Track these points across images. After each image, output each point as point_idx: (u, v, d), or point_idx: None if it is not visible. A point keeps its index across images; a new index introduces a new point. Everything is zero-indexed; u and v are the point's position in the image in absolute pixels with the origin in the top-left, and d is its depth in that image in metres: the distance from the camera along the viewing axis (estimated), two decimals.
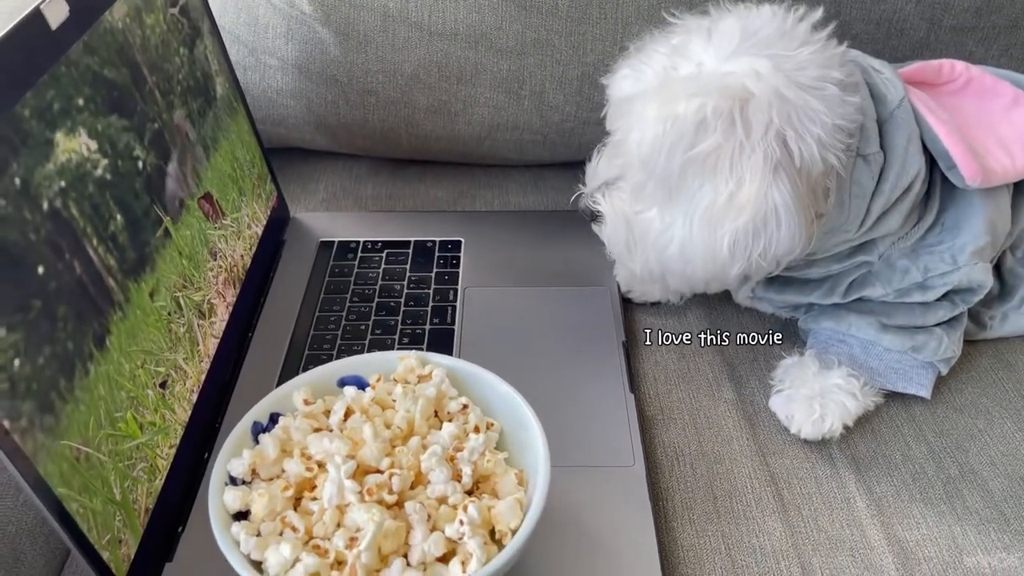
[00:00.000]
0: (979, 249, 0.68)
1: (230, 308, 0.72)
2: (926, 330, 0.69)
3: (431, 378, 0.58)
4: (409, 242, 0.84)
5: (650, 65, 0.62)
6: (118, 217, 0.57)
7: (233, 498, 0.51)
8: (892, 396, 0.70)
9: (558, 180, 0.96)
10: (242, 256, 0.76)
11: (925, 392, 0.69)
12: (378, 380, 0.59)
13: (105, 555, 0.51)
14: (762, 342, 0.76)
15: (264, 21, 0.85)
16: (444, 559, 0.49)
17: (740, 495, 0.63)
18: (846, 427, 0.67)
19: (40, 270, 0.48)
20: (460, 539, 0.49)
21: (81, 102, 0.55)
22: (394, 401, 0.57)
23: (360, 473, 0.52)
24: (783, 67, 0.58)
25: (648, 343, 0.75)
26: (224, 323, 0.71)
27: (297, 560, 0.48)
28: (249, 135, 0.81)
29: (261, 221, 0.81)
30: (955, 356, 0.70)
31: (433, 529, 0.50)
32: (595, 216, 0.68)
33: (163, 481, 0.59)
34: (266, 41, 0.86)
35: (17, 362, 0.45)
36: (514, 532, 0.50)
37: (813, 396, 0.67)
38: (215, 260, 0.71)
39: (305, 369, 0.68)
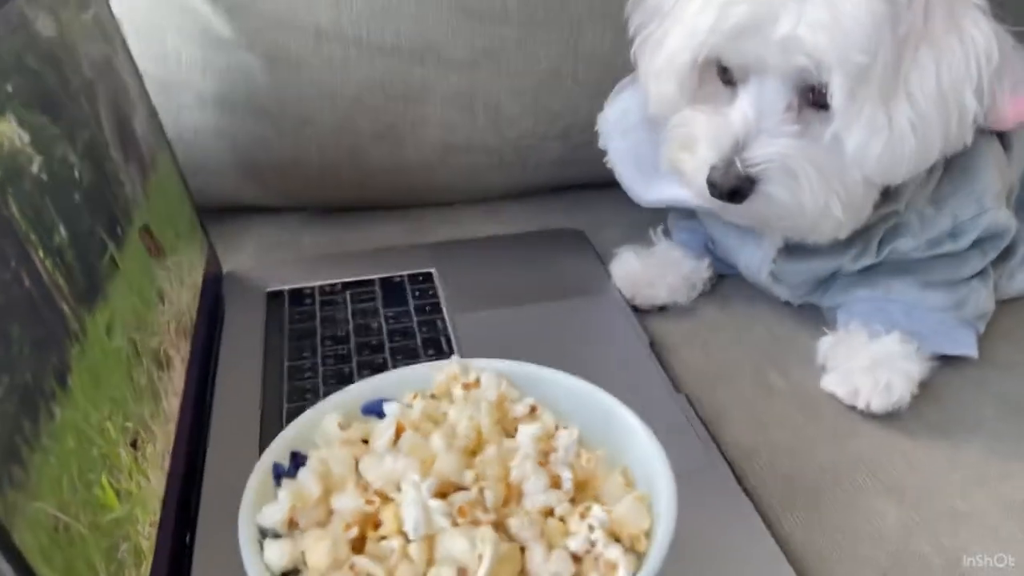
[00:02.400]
0: (997, 193, 0.65)
1: (186, 363, 0.59)
2: (965, 283, 0.65)
3: (479, 386, 0.47)
4: (373, 280, 0.74)
5: None
6: (61, 229, 0.45)
7: (280, 553, 0.38)
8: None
9: (516, 210, 0.88)
10: (188, 306, 0.63)
11: (974, 351, 0.64)
12: (414, 398, 0.47)
13: None
14: (786, 331, 0.69)
15: (175, 53, 0.75)
16: None
17: (833, 484, 0.55)
18: (912, 395, 0.61)
19: None
20: (588, 552, 0.38)
21: (10, 88, 0.43)
22: (444, 415, 0.46)
23: (438, 493, 0.40)
24: None
25: (668, 347, 0.67)
26: (183, 379, 0.58)
27: None
28: (174, 173, 0.69)
29: (199, 271, 0.69)
30: (991, 311, 0.67)
31: (550, 548, 0.39)
32: (753, 182, 0.56)
33: (149, 569, 0.44)
34: (179, 75, 0.75)
35: None
36: (647, 534, 0.40)
37: (873, 366, 0.60)
38: (164, 304, 0.58)
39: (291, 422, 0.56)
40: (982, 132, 0.66)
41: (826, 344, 0.65)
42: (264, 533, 0.40)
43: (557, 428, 0.45)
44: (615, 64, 0.78)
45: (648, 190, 0.72)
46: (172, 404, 0.54)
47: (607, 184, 0.87)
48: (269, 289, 0.73)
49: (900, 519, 0.52)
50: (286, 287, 0.73)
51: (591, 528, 0.38)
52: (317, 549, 0.38)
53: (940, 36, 0.54)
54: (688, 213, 0.76)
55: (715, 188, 0.57)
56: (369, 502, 0.40)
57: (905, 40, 0.54)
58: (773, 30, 0.54)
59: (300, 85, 0.76)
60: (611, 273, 0.73)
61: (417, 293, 0.72)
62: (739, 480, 0.54)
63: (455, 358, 0.49)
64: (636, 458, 0.44)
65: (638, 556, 0.39)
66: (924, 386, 0.62)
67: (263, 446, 0.48)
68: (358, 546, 0.39)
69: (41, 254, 0.41)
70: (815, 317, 0.70)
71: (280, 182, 0.81)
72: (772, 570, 0.47)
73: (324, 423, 0.45)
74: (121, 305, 0.50)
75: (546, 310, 0.69)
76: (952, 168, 0.66)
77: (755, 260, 0.69)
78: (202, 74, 0.75)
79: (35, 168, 0.44)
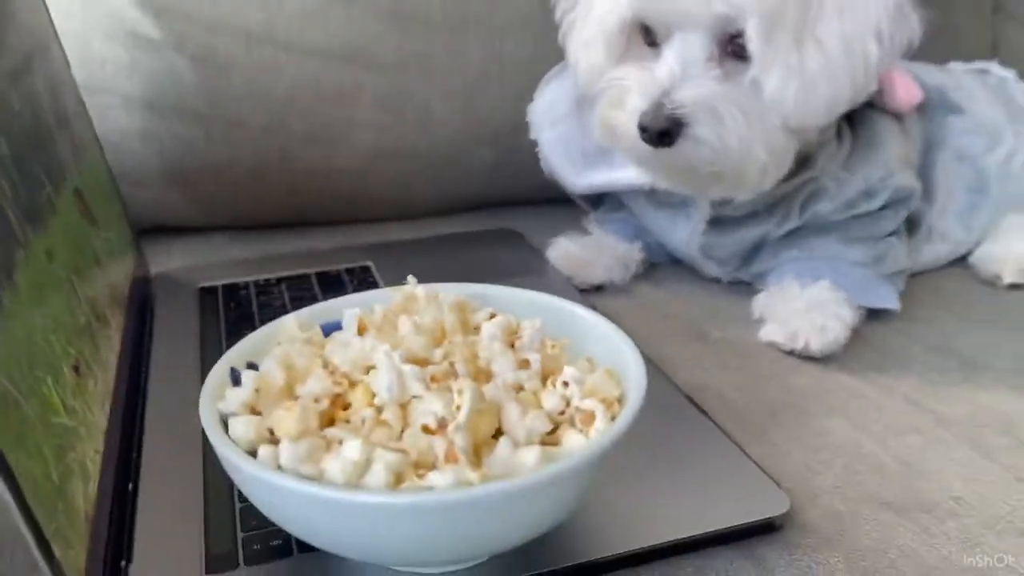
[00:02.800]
0: (902, 161, 0.70)
1: (121, 331, 0.57)
2: (883, 240, 0.69)
3: (438, 299, 0.47)
4: (309, 274, 0.73)
5: None
6: (3, 143, 0.43)
7: (245, 428, 0.37)
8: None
9: (440, 224, 0.89)
10: (121, 283, 0.61)
11: (896, 304, 0.68)
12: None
13: (57, 550, 0.33)
14: (719, 302, 0.72)
15: (100, 55, 0.75)
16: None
17: (782, 409, 0.56)
18: (846, 339, 0.63)
19: None
20: (562, 414, 0.38)
21: None
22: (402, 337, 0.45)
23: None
24: None
25: (609, 318, 0.68)
26: (119, 342, 0.55)
27: (369, 462, 0.34)
28: (103, 165, 0.68)
29: (130, 262, 0.67)
30: (908, 268, 0.71)
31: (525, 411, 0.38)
32: (680, 125, 0.59)
33: (96, 490, 0.42)
34: (104, 78, 0.75)
35: None
36: (619, 400, 0.40)
37: (808, 310, 0.63)
38: (98, 267, 0.56)
39: None
40: (882, 113, 0.72)
41: (761, 299, 0.67)
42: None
43: (520, 324, 0.45)
44: (537, 71, 0.82)
45: (579, 177, 0.75)
46: (110, 358, 0.52)
47: (534, 200, 0.90)
48: (201, 285, 0.71)
49: (849, 433, 0.54)
50: (219, 283, 0.72)
51: (565, 384, 0.38)
52: (286, 420, 0.36)
53: None
54: (617, 206, 0.79)
55: (646, 132, 0.59)
56: (337, 383, 0.39)
57: None
58: None
59: (231, 87, 0.76)
60: (549, 258, 0.75)
61: (356, 282, 0.71)
62: (700, 410, 0.54)
63: (411, 279, 0.48)
64: (598, 349, 0.44)
65: (612, 419, 0.39)
66: (855, 333, 0.65)
67: None
68: (326, 424, 0.38)
69: None
70: (745, 291, 0.72)
71: (209, 188, 0.80)
72: (740, 470, 0.47)
73: (285, 324, 0.44)
74: (59, 242, 0.48)
75: None
76: (858, 141, 0.71)
77: (685, 236, 0.72)
78: (129, 77, 0.75)
79: None
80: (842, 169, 0.69)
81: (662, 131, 0.59)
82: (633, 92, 0.61)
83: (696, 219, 0.71)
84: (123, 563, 0.42)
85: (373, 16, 0.78)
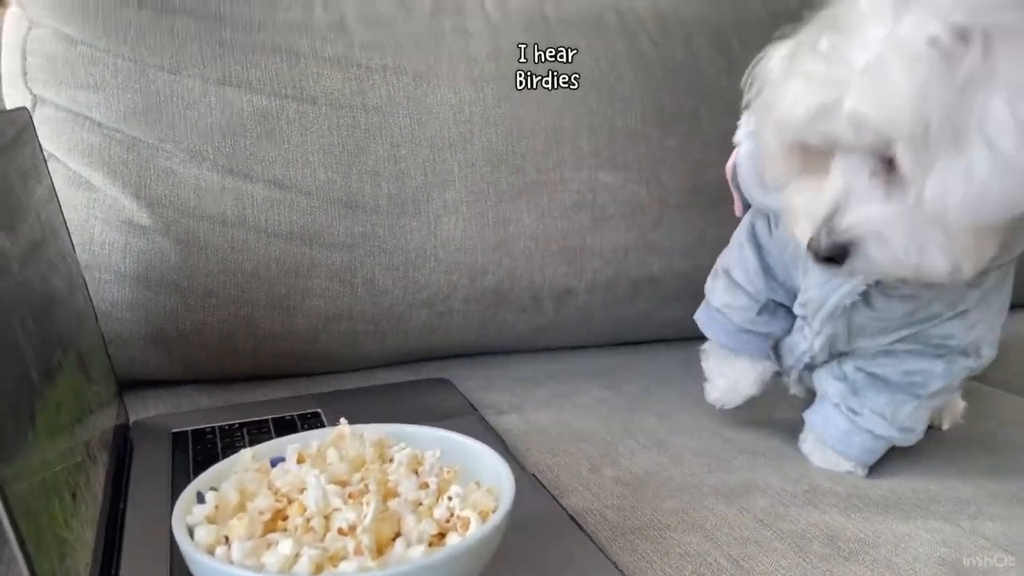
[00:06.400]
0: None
1: (105, 469, 0.69)
2: (929, 398, 0.78)
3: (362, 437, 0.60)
4: (267, 420, 0.85)
5: (821, 68, 0.61)
6: (26, 312, 0.57)
7: (207, 533, 0.49)
8: None
9: (383, 374, 1.03)
10: (106, 429, 0.73)
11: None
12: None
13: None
14: (618, 444, 0.85)
15: (100, 239, 0.90)
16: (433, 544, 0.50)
17: (653, 528, 0.68)
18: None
19: None
20: (449, 520, 0.51)
21: None
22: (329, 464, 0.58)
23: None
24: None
25: (521, 452, 0.81)
26: (104, 477, 0.67)
27: (298, 555, 0.46)
28: (96, 328, 0.81)
29: (114, 409, 0.79)
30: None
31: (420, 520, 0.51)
32: (847, 249, 0.63)
33: None
34: (102, 258, 0.90)
35: None
36: (494, 511, 0.52)
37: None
38: (92, 415, 0.68)
39: None
40: None
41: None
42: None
43: (423, 455, 0.58)
44: (467, 247, 0.98)
45: (764, 195, 0.80)
46: (97, 489, 0.64)
47: (462, 354, 1.05)
48: (174, 430, 0.83)
49: (702, 545, 0.66)
50: (189, 428, 0.84)
51: (450, 499, 0.51)
52: (237, 527, 0.49)
53: (1009, 73, 0.56)
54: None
55: (816, 256, 0.65)
56: (278, 500, 0.51)
57: (969, 86, 0.57)
58: (839, 112, 0.60)
59: (207, 264, 0.91)
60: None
61: (306, 427, 0.84)
62: (579, 526, 0.66)
63: (343, 421, 0.62)
64: (484, 472, 0.57)
65: None
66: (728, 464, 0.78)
67: (175, 544, 0.59)
68: (269, 531, 0.50)
69: (20, 334, 0.54)
70: (635, 440, 0.85)
71: (184, 349, 0.94)
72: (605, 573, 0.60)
73: (241, 456, 0.56)
74: (65, 396, 0.61)
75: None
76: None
77: (844, 289, 0.74)
78: (123, 256, 0.90)
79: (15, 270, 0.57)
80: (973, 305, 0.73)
81: (828, 256, 0.64)
82: (802, 214, 0.66)
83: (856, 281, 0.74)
84: None
85: (329, 204, 0.94)
